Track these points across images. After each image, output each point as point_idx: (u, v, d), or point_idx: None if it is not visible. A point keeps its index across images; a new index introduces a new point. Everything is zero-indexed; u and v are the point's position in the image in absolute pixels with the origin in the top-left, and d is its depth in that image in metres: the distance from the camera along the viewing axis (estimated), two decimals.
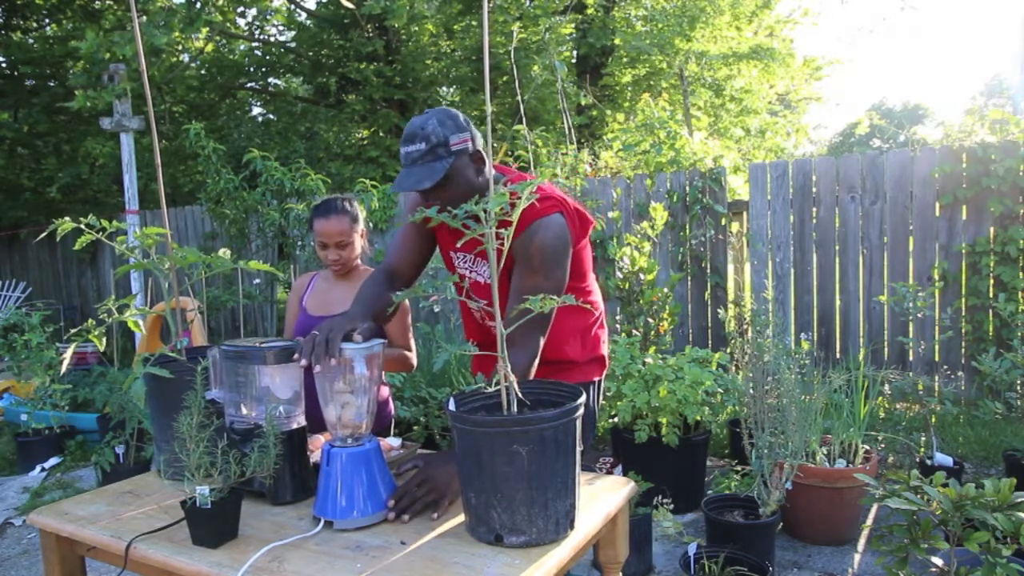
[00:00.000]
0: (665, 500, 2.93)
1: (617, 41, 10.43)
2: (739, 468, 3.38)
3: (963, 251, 4.28)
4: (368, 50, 10.01)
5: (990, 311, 4.19)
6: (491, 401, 1.43)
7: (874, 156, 4.49)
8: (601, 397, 2.13)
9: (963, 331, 4.30)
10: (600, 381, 2.01)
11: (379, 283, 1.81)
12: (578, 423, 1.35)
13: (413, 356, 2.33)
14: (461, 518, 1.43)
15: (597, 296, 1.96)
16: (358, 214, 2.30)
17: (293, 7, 11.52)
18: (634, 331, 4.11)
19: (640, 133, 5.90)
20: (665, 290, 4.16)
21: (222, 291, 6.15)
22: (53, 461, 4.43)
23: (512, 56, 5.12)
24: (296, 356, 1.47)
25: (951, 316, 4.28)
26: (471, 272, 1.86)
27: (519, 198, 1.32)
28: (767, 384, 3.08)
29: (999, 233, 4.16)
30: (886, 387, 3.86)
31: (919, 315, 4.14)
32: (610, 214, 4.99)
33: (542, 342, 1.69)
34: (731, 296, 4.95)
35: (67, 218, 1.83)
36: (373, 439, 1.52)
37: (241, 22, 11.77)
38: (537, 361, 1.69)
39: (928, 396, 4.03)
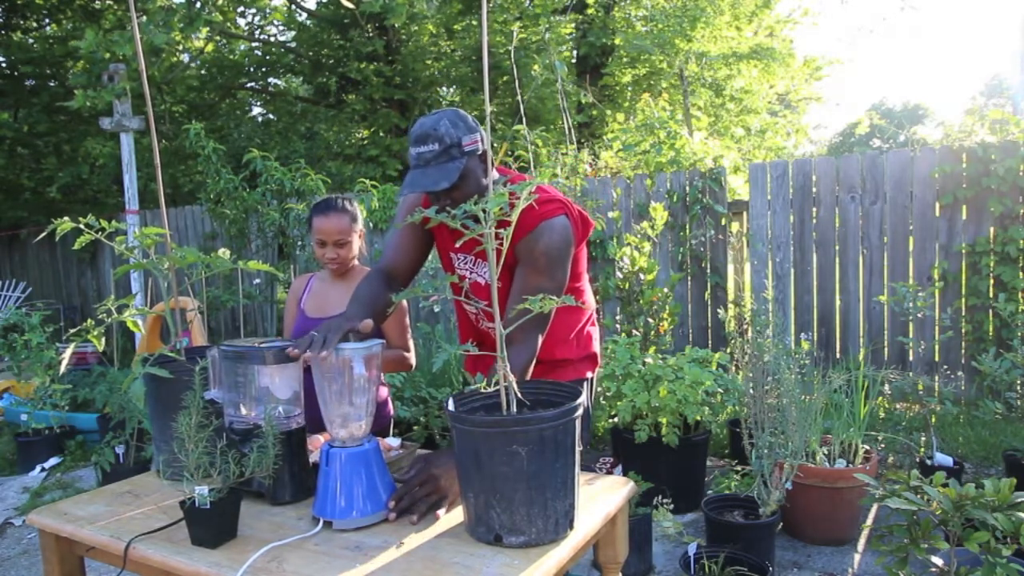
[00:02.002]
0: (665, 500, 2.93)
1: (617, 41, 10.43)
2: (739, 468, 3.38)
3: (963, 251, 4.28)
4: (368, 50, 10.01)
5: (990, 311, 4.19)
6: (490, 401, 1.43)
7: (874, 156, 4.49)
8: (595, 393, 2.15)
9: (963, 331, 4.30)
10: (593, 378, 2.03)
11: (376, 283, 1.80)
12: (577, 423, 1.35)
13: (412, 356, 2.33)
14: (461, 518, 1.43)
15: (589, 294, 1.99)
16: (357, 214, 2.31)
17: (293, 7, 11.52)
18: (634, 331, 4.11)
19: (640, 133, 5.90)
20: (665, 290, 4.16)
21: (222, 291, 6.16)
22: (53, 461, 4.42)
23: (512, 56, 5.12)
24: (291, 351, 1.47)
25: (951, 316, 4.27)
26: (471, 273, 1.86)
27: (519, 199, 1.32)
28: (767, 384, 3.08)
29: (999, 233, 4.16)
30: (886, 387, 3.86)
31: (919, 315, 4.14)
32: (610, 214, 4.99)
33: (540, 341, 1.70)
34: (731, 296, 4.95)
35: (67, 218, 1.83)
36: (372, 439, 1.52)
37: (241, 22, 11.78)
38: (534, 360, 1.70)
39: (928, 396, 4.03)
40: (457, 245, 1.80)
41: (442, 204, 1.67)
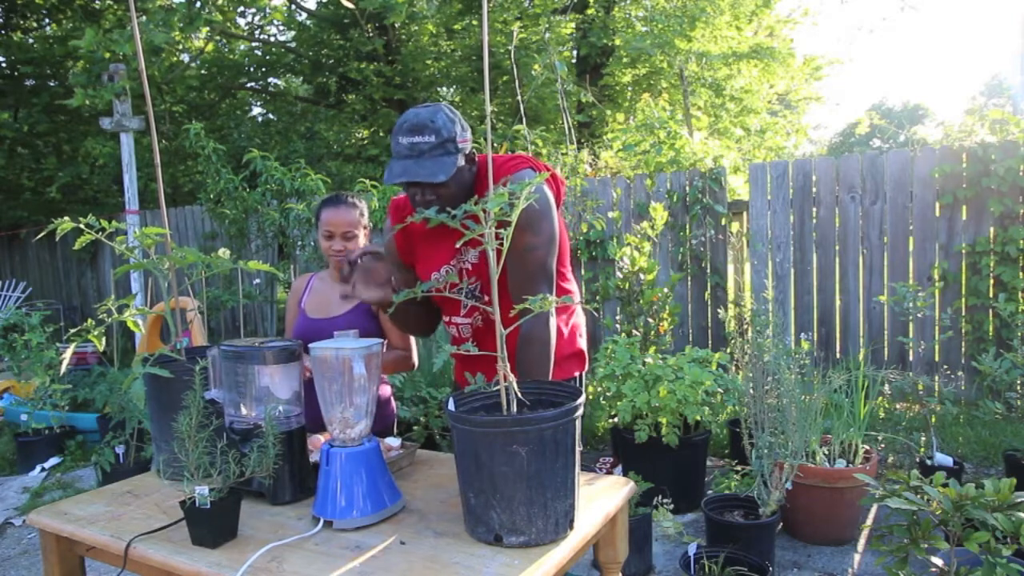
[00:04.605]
0: (665, 500, 2.93)
1: (617, 41, 10.43)
2: (739, 468, 3.38)
3: (963, 251, 4.28)
4: (368, 50, 10.01)
5: (990, 311, 4.19)
6: (490, 401, 1.43)
7: (874, 156, 4.49)
8: (589, 395, 2.09)
9: (963, 331, 4.30)
10: (582, 376, 1.91)
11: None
12: (578, 423, 1.35)
13: (414, 354, 2.32)
14: (460, 518, 1.43)
15: (573, 285, 1.88)
16: (365, 210, 2.33)
17: (293, 7, 11.52)
18: (634, 331, 4.11)
19: (640, 133, 5.90)
20: (665, 290, 4.15)
21: (222, 291, 6.15)
22: (53, 461, 4.42)
23: (512, 56, 5.11)
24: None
25: (951, 316, 4.27)
26: (457, 266, 1.79)
27: (519, 198, 1.32)
28: (767, 384, 3.08)
29: (999, 233, 4.16)
30: (886, 387, 3.86)
31: (919, 315, 4.14)
32: (610, 214, 4.99)
33: (552, 298, 1.63)
34: (731, 296, 4.95)
35: (67, 218, 1.83)
36: (373, 439, 1.52)
37: (241, 22, 11.78)
38: (554, 322, 1.65)
39: (928, 396, 4.03)
40: (458, 245, 1.77)
41: (424, 200, 1.63)
